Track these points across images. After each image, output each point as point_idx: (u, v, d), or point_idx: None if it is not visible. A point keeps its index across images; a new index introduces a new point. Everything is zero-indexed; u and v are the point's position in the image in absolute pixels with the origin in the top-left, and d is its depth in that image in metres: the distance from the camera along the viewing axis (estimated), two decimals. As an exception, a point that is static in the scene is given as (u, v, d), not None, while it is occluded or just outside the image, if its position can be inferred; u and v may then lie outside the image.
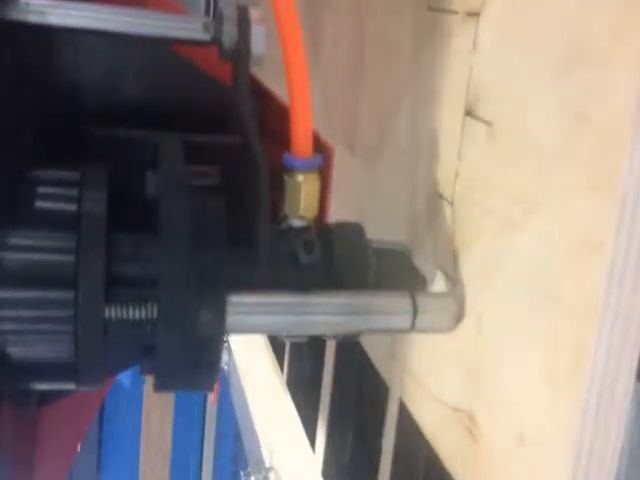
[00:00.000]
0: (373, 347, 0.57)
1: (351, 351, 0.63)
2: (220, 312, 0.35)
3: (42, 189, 0.35)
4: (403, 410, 0.51)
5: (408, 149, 0.50)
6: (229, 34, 0.36)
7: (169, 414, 2.32)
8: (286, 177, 0.38)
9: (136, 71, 0.41)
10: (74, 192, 0.34)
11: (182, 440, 2.24)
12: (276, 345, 1.01)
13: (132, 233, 0.36)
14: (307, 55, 0.73)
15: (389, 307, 0.39)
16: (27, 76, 0.39)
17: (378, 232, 0.54)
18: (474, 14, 0.41)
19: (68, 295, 0.33)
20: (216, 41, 0.37)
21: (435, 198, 0.45)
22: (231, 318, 0.36)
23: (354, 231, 0.40)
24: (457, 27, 0.42)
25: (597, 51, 0.30)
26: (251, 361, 1.09)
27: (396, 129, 0.52)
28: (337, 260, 0.39)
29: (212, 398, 1.85)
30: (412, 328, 0.39)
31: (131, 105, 0.42)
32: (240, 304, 0.36)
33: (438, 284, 0.44)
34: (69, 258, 0.33)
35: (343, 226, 0.41)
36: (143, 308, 0.34)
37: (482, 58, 0.40)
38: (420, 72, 0.48)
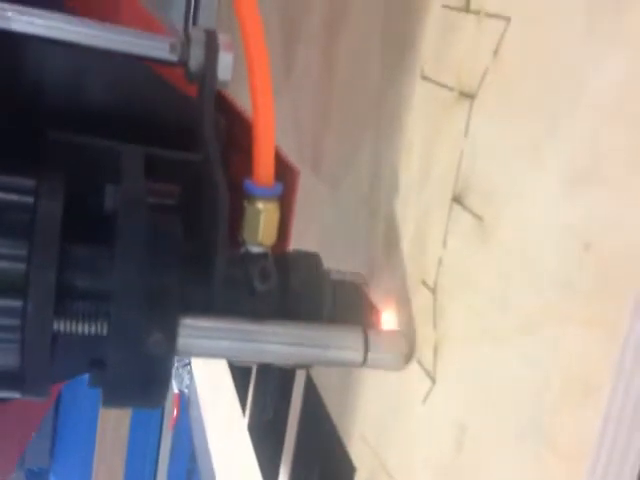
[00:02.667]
0: (341, 421, 0.54)
1: (317, 419, 0.60)
2: (171, 333, 0.35)
3: (-4, 195, 0.35)
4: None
5: (372, 198, 0.49)
6: (196, 57, 0.36)
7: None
8: (246, 203, 0.38)
9: (103, 80, 0.41)
10: (29, 200, 0.34)
11: (139, 433, 2.22)
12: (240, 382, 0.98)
13: (88, 245, 0.36)
14: (279, 74, 0.74)
15: (340, 341, 0.39)
16: None
17: (339, 259, 0.55)
18: (469, 96, 0.38)
19: (16, 304, 0.33)
20: (182, 63, 0.37)
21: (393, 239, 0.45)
22: (182, 340, 0.36)
23: (311, 262, 0.41)
24: (450, 106, 0.40)
25: (606, 175, 0.28)
26: (213, 391, 1.07)
27: (362, 178, 0.51)
28: (292, 290, 0.39)
29: (169, 425, 1.84)
30: (363, 363, 0.40)
31: (96, 114, 0.42)
32: (192, 327, 0.36)
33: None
34: (20, 266, 0.33)
35: (300, 256, 0.41)
36: (93, 323, 0.34)
37: (474, 147, 0.37)
38: (399, 133, 0.46)
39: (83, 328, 0.33)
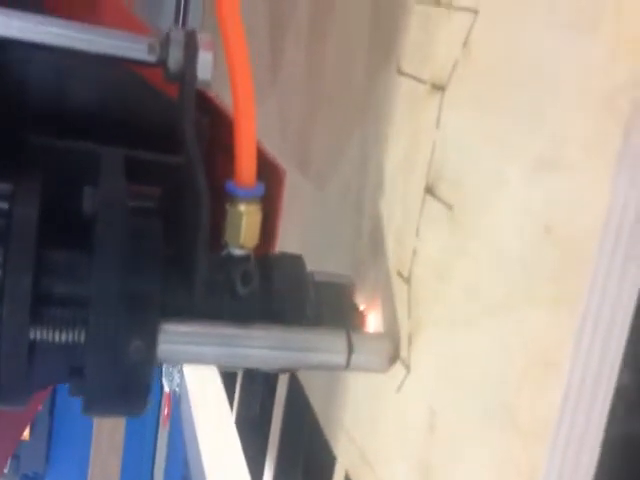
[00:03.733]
0: (323, 412, 0.55)
1: (300, 411, 0.61)
2: (151, 340, 0.34)
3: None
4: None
5: (357, 195, 0.49)
6: (175, 57, 0.36)
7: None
8: (228, 205, 0.38)
9: (84, 82, 0.41)
10: (4, 205, 0.34)
11: (134, 437, 2.22)
12: (227, 379, 0.99)
13: (66, 250, 0.35)
14: (266, 74, 0.73)
15: (324, 344, 0.39)
16: None
17: (324, 260, 0.54)
18: (439, 87, 0.38)
19: None
20: (161, 63, 0.36)
21: (378, 237, 0.45)
22: (163, 347, 0.35)
23: (294, 263, 0.40)
24: (423, 98, 0.40)
25: (568, 161, 0.29)
26: (202, 389, 1.08)
27: (348, 172, 0.51)
28: (275, 293, 0.39)
29: (164, 421, 1.83)
30: (347, 366, 0.39)
31: (77, 117, 0.41)
32: (173, 333, 0.35)
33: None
34: None
35: (283, 258, 0.40)
36: (71, 331, 0.33)
37: (445, 138, 0.38)
38: (376, 132, 0.47)
39: (60, 336, 0.33)
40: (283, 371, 0.41)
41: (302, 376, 0.60)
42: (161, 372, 1.63)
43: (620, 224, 0.26)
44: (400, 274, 0.41)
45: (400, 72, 0.44)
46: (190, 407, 1.09)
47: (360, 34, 0.51)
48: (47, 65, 0.40)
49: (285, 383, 0.66)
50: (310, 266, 0.42)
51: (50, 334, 0.33)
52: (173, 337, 0.35)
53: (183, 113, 0.36)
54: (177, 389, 1.51)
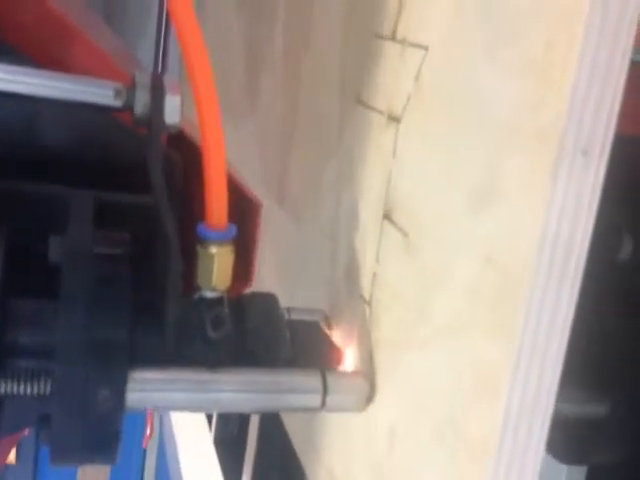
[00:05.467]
0: (295, 433, 0.56)
1: (274, 432, 0.61)
2: (120, 389, 0.34)
3: None
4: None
5: (329, 222, 0.50)
6: (141, 102, 0.35)
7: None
8: (199, 248, 0.37)
9: (51, 122, 0.40)
10: None
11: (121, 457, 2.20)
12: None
13: (32, 299, 0.35)
14: (243, 102, 0.73)
15: (299, 385, 0.38)
16: None
17: (300, 289, 0.54)
18: (395, 119, 0.40)
19: None
20: (128, 108, 0.36)
21: (354, 276, 0.45)
22: (132, 395, 0.35)
23: (267, 303, 0.40)
24: (381, 129, 0.42)
25: (505, 194, 0.30)
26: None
27: (321, 199, 0.52)
28: (248, 334, 0.38)
29: (144, 443, 1.82)
30: (322, 407, 0.39)
31: (48, 159, 0.41)
32: (142, 380, 0.35)
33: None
34: None
35: (256, 298, 0.40)
36: (36, 383, 0.33)
37: (400, 168, 0.40)
38: (344, 160, 0.48)
39: (26, 388, 0.32)
40: (257, 413, 0.41)
41: None
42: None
43: (552, 254, 0.28)
44: (362, 297, 0.43)
45: (360, 102, 0.45)
46: (171, 427, 1.09)
47: (329, 66, 0.51)
48: (14, 107, 0.40)
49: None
50: (286, 296, 0.42)
51: (15, 387, 0.32)
52: (142, 385, 0.35)
53: (150, 158, 0.35)
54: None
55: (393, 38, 0.41)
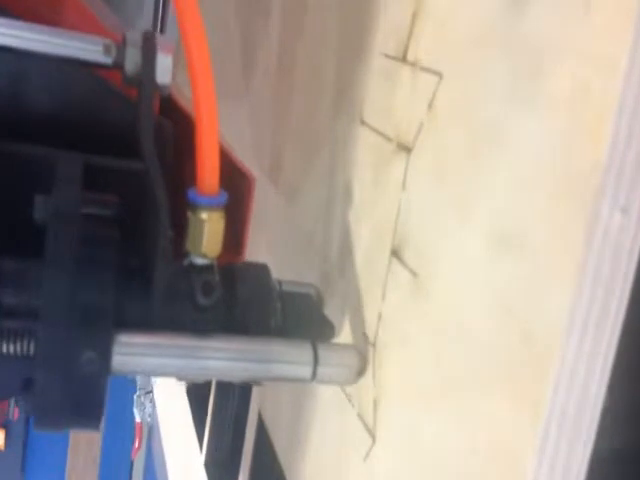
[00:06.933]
0: (292, 474, 0.53)
1: (269, 468, 0.59)
2: (105, 351, 0.33)
3: None
4: None
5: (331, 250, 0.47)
6: (131, 60, 0.35)
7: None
8: (190, 213, 0.37)
9: (41, 83, 0.39)
10: None
11: (112, 446, 2.19)
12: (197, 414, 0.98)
13: (17, 260, 0.34)
14: (238, 81, 0.72)
15: (289, 356, 0.38)
16: None
17: (293, 272, 0.53)
18: (406, 148, 0.37)
19: None
20: (118, 65, 0.35)
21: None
22: (117, 358, 0.34)
23: (259, 273, 0.39)
24: (389, 156, 0.39)
25: (529, 242, 0.27)
26: (173, 427, 1.07)
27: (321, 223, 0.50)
28: (239, 303, 0.37)
29: (133, 454, 1.81)
30: (313, 378, 0.38)
31: (38, 121, 0.40)
32: (128, 344, 0.34)
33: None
34: None
35: (248, 267, 0.39)
36: (19, 342, 0.32)
37: (411, 201, 0.36)
38: (341, 180, 0.45)
39: (8, 347, 0.31)
40: (247, 383, 0.40)
41: (271, 431, 0.58)
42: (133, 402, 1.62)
43: (585, 322, 0.25)
44: (366, 336, 0.40)
45: (362, 122, 0.42)
46: (162, 446, 1.07)
47: (325, 78, 0.49)
48: (3, 68, 0.39)
49: (253, 434, 0.65)
50: (277, 275, 0.41)
51: (-2, 345, 0.31)
52: (128, 348, 0.34)
53: (141, 119, 0.35)
54: (149, 419, 1.49)
55: (403, 59, 0.38)
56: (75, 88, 0.41)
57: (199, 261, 0.37)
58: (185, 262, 0.38)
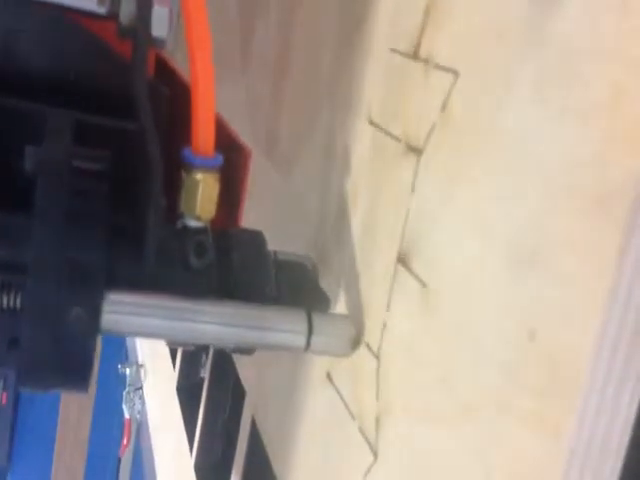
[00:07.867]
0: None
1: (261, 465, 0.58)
2: (94, 309, 0.32)
3: None
4: None
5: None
6: (126, 10, 0.34)
7: (88, 406, 2.25)
8: (184, 173, 0.36)
9: (35, 39, 0.38)
10: None
11: (100, 432, 2.18)
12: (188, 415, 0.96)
13: (5, 213, 0.33)
14: (236, 53, 0.71)
15: (283, 324, 0.37)
16: None
17: (288, 244, 0.52)
18: (416, 150, 0.35)
19: None
20: (112, 16, 0.34)
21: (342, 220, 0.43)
22: (107, 317, 0.33)
23: (254, 239, 0.38)
24: (397, 158, 0.36)
25: (553, 261, 0.25)
26: (162, 426, 1.05)
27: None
28: (232, 268, 0.37)
29: (121, 451, 1.80)
30: (307, 348, 0.37)
31: (26, 76, 0.39)
32: (118, 302, 0.33)
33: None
34: None
35: (243, 233, 0.38)
36: (6, 296, 0.31)
37: (420, 206, 0.34)
38: (346, 178, 0.43)
39: (-4, 299, 0.31)
40: (239, 351, 0.39)
41: (265, 440, 0.56)
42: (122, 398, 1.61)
43: (615, 344, 0.23)
44: (369, 347, 0.38)
45: (371, 122, 0.40)
46: (151, 445, 1.06)
47: (322, 70, 0.48)
48: None
49: (245, 442, 0.63)
50: (272, 247, 0.40)
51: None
52: (118, 307, 0.33)
53: (135, 72, 0.34)
54: (138, 416, 1.48)
55: (415, 56, 0.35)
56: (69, 45, 0.40)
57: (193, 223, 0.36)
58: (178, 224, 0.37)
